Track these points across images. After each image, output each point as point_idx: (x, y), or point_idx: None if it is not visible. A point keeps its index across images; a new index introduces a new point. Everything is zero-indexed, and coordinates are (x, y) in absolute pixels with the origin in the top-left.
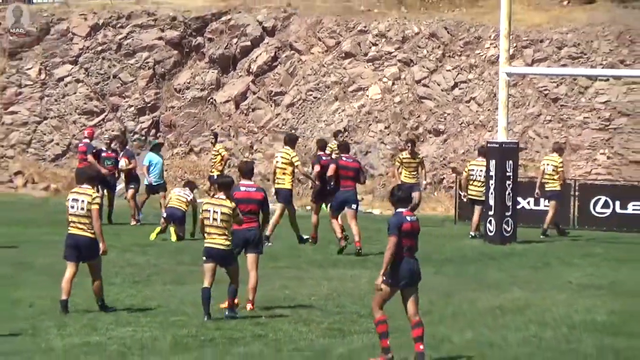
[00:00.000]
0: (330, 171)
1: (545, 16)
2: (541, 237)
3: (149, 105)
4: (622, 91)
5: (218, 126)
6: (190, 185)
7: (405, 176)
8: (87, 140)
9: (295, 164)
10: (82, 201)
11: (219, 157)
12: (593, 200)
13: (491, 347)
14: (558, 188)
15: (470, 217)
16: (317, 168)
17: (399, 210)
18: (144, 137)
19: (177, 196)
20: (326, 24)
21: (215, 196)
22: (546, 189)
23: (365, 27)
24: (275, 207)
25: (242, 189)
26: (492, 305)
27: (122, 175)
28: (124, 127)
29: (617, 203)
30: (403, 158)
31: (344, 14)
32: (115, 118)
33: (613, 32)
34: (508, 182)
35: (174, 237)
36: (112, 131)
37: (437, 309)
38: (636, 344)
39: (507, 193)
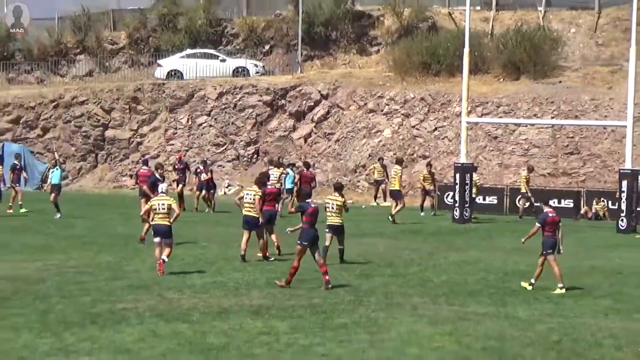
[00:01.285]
0: (296, 179)
1: (489, 88)
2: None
3: (253, 140)
4: (535, 133)
5: (293, 153)
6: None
7: (426, 185)
8: (178, 162)
9: (399, 175)
10: (252, 194)
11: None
12: (517, 197)
13: (457, 285)
14: (523, 190)
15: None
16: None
17: (307, 201)
18: (249, 160)
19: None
20: (358, 92)
21: (334, 195)
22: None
23: (381, 94)
24: (391, 202)
25: (269, 186)
26: (457, 260)
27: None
28: (237, 154)
29: (532, 199)
30: (424, 174)
31: (369, 86)
32: (232, 148)
33: (529, 97)
34: (467, 186)
35: None
36: (230, 156)
37: (424, 262)
38: (545, 285)
39: (466, 193)
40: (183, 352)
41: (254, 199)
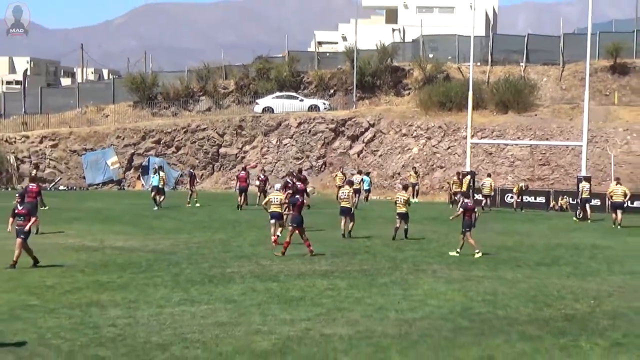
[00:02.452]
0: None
1: (486, 119)
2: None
3: (321, 155)
4: (518, 150)
5: (350, 164)
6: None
7: (455, 189)
8: (249, 171)
9: (466, 183)
10: (346, 192)
11: (338, 178)
12: (506, 195)
13: (464, 256)
14: (515, 192)
15: (454, 202)
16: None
17: (296, 197)
18: (319, 169)
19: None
20: (395, 122)
21: (402, 192)
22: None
23: (411, 123)
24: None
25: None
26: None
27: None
28: (311, 164)
29: (515, 196)
30: (454, 180)
31: (403, 118)
32: (308, 161)
33: (514, 125)
34: (470, 187)
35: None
36: (306, 166)
37: (440, 240)
38: (522, 256)
39: (470, 191)
40: (273, 302)
41: (348, 195)
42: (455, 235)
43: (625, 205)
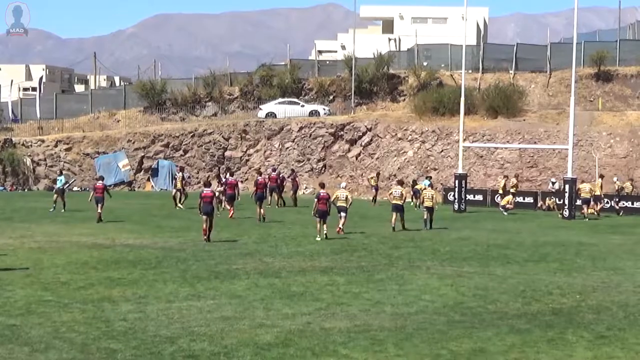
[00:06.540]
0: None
1: (477, 123)
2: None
3: (321, 158)
4: (507, 153)
5: (349, 167)
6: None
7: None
8: (274, 174)
9: (599, 185)
10: (399, 190)
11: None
12: (496, 196)
13: (456, 253)
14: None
15: (448, 202)
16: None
17: (205, 189)
18: (319, 171)
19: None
20: (391, 127)
21: (429, 188)
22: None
23: (406, 127)
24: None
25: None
26: (456, 237)
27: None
28: (312, 167)
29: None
30: (515, 183)
31: (398, 122)
32: (308, 163)
33: (504, 130)
34: (462, 188)
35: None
36: (307, 168)
37: (434, 238)
38: (512, 253)
39: (462, 193)
40: (275, 297)
41: (401, 193)
42: (449, 233)
43: (591, 200)
